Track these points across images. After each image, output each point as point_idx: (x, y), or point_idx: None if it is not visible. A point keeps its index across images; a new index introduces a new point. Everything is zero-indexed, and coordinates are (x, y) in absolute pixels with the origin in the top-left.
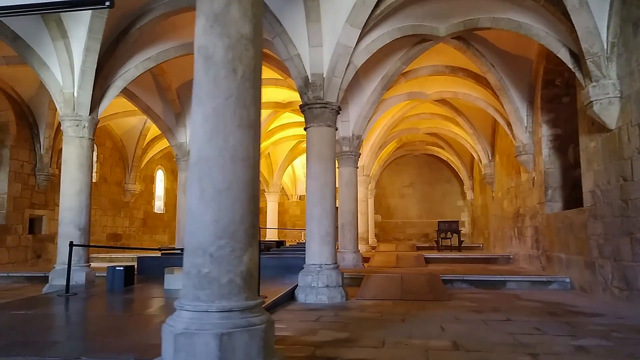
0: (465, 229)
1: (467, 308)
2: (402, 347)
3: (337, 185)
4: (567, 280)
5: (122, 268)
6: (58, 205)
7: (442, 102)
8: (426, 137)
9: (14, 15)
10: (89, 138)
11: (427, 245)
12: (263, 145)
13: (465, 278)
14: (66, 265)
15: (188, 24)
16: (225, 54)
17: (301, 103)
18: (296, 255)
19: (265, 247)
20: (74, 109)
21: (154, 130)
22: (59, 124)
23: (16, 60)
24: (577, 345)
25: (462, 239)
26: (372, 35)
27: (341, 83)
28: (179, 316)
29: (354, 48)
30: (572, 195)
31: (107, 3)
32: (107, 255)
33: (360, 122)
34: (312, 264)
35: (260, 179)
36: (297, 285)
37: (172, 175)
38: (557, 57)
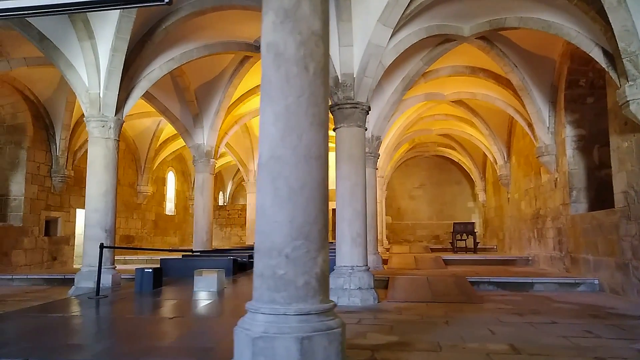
0: (476, 231)
1: (504, 310)
2: (460, 351)
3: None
4: (596, 282)
5: (150, 270)
6: (73, 207)
7: (459, 103)
8: (438, 138)
9: (71, 13)
10: (115, 139)
11: (440, 246)
12: None
13: (491, 280)
14: (92, 268)
15: (212, 25)
16: (296, 51)
17: (330, 103)
18: None
19: None
20: (99, 110)
21: (166, 131)
22: (75, 125)
23: (36, 61)
24: (639, 350)
25: (477, 241)
26: (400, 35)
27: (371, 83)
28: (255, 319)
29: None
30: (598, 196)
31: (166, 0)
32: (122, 257)
33: (380, 123)
34: (344, 266)
35: None
36: None
37: (182, 177)
38: (582, 57)
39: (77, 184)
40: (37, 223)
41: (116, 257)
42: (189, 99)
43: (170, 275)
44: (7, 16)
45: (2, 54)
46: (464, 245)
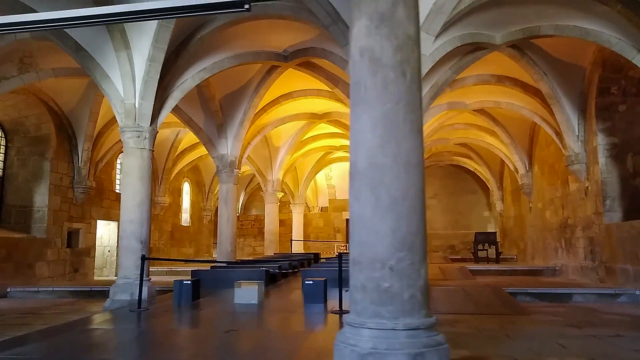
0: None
1: (557, 322)
2: None
3: None
4: (638, 292)
5: (189, 282)
6: (94, 219)
7: (481, 111)
8: (455, 147)
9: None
10: (150, 149)
11: (459, 257)
12: (293, 157)
13: (528, 291)
14: (127, 280)
15: (244, 34)
16: (393, 56)
17: None
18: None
19: (307, 260)
20: (135, 120)
21: (184, 142)
22: (97, 136)
23: (64, 72)
24: None
25: (500, 251)
26: (436, 43)
27: None
28: (359, 334)
29: None
30: (632, 205)
31: (246, 6)
32: None
33: None
34: None
35: (286, 190)
36: None
37: (196, 188)
38: (614, 64)
39: (97, 195)
40: (59, 234)
41: None
42: (214, 109)
43: (203, 286)
44: (86, 23)
45: (32, 65)
46: (486, 255)
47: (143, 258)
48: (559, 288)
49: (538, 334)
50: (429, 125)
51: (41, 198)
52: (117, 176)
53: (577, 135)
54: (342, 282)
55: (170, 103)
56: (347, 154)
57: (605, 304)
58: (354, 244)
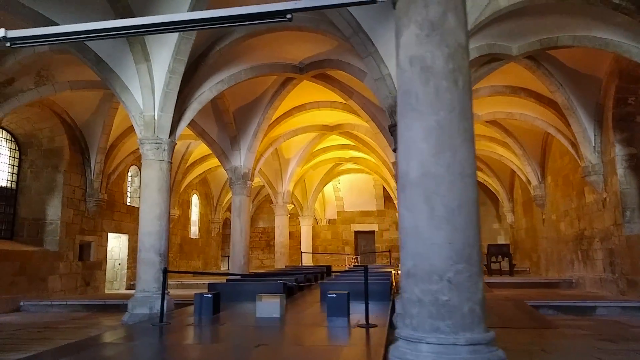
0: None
1: (588, 336)
2: None
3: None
4: None
5: (210, 295)
6: (106, 232)
7: (493, 123)
8: None
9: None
10: (168, 161)
11: None
12: (303, 169)
13: (550, 304)
14: (146, 293)
15: (261, 47)
16: (445, 64)
17: (390, 123)
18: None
19: (320, 273)
20: (154, 132)
21: (195, 154)
22: (110, 149)
23: (79, 84)
24: None
25: (513, 263)
26: None
27: None
28: (417, 350)
29: None
30: None
31: (289, 16)
32: None
33: None
34: None
35: (294, 202)
36: (393, 311)
37: (205, 200)
38: (632, 75)
39: (109, 207)
40: (72, 247)
41: None
42: (228, 121)
43: (221, 300)
44: (115, 35)
45: (48, 78)
46: (499, 268)
47: (165, 271)
48: (582, 301)
49: (573, 349)
50: None
51: (54, 211)
52: (128, 189)
53: (594, 146)
54: (368, 295)
55: (189, 115)
56: (357, 166)
57: (630, 316)
58: (407, 255)
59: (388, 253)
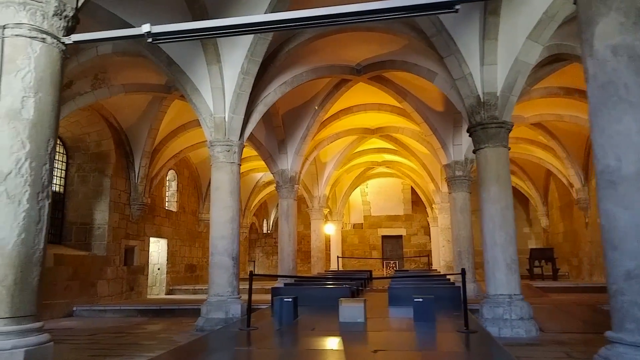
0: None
1: None
2: None
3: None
4: None
5: (290, 300)
6: (148, 236)
7: (537, 125)
8: None
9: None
10: (238, 164)
11: None
12: (338, 173)
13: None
14: (220, 297)
15: (323, 48)
16: None
17: (470, 124)
18: (438, 285)
19: (366, 279)
20: (225, 134)
21: None
22: (153, 152)
23: (133, 88)
24: None
25: (557, 267)
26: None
27: (515, 102)
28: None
29: None
30: None
31: (457, 7)
32: (191, 287)
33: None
34: (500, 295)
35: (325, 207)
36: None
37: None
38: None
39: (150, 212)
40: (118, 252)
41: (184, 287)
42: (276, 124)
43: None
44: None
45: (105, 81)
46: (541, 272)
47: (251, 275)
48: None
49: None
50: None
51: (101, 215)
52: (167, 193)
53: None
54: (466, 301)
55: (255, 117)
56: (389, 170)
57: None
58: (624, 255)
59: (425, 258)
